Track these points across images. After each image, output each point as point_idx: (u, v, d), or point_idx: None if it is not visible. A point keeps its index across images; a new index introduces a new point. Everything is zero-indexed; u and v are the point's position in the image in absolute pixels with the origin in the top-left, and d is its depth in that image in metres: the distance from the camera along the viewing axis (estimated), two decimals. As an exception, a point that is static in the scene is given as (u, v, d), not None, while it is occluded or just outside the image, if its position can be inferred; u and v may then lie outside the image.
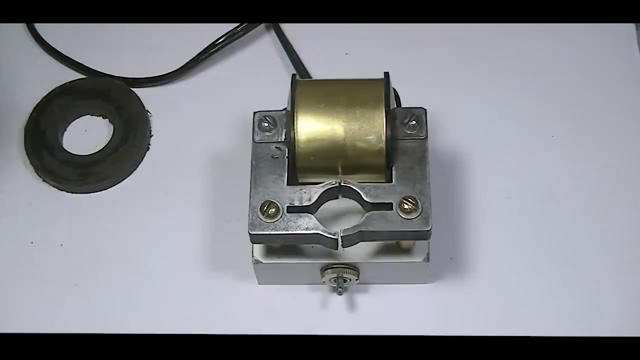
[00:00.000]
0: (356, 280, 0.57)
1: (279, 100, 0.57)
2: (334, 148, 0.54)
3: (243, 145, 0.60)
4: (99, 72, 0.67)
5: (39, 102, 0.65)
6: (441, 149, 0.63)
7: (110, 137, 0.64)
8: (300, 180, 0.56)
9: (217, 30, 0.67)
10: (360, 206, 0.55)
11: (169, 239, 0.61)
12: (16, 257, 0.61)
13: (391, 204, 0.53)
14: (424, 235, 0.53)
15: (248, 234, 0.53)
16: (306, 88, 0.56)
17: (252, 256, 0.56)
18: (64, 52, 0.68)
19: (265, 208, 0.54)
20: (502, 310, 0.58)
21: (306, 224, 0.53)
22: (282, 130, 0.56)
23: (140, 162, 0.64)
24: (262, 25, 0.69)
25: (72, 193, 0.63)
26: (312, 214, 0.54)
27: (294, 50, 0.67)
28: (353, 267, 0.56)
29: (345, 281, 0.56)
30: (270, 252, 0.56)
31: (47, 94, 0.66)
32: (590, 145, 0.64)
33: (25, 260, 0.61)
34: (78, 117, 0.66)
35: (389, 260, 0.56)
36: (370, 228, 0.53)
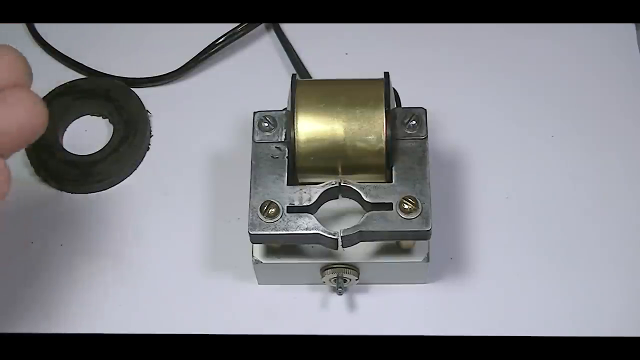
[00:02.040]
0: (356, 280, 0.57)
1: (279, 100, 0.57)
2: (334, 148, 0.54)
3: (243, 145, 0.60)
4: (99, 72, 0.67)
5: (39, 102, 0.65)
6: (441, 149, 0.63)
7: (110, 137, 0.64)
8: (300, 180, 0.56)
9: (217, 30, 0.67)
10: (360, 206, 0.55)
11: (169, 239, 0.61)
12: (16, 257, 0.61)
13: (391, 204, 0.53)
14: (424, 235, 0.53)
15: (248, 234, 0.53)
16: (306, 88, 0.56)
17: (252, 256, 0.56)
18: (64, 52, 0.68)
19: (265, 208, 0.54)
20: (502, 310, 0.58)
21: (306, 224, 0.53)
22: (282, 130, 0.56)
23: (140, 162, 0.64)
24: (262, 25, 0.69)
25: (72, 193, 0.63)
26: (312, 214, 0.54)
27: (294, 50, 0.67)
28: (353, 267, 0.56)
29: (345, 281, 0.56)
30: (270, 252, 0.56)
31: (47, 94, 0.66)
32: (590, 145, 0.64)
33: (25, 260, 0.61)
34: (78, 117, 0.66)
35: (389, 260, 0.56)
36: (370, 228, 0.53)
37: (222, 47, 0.67)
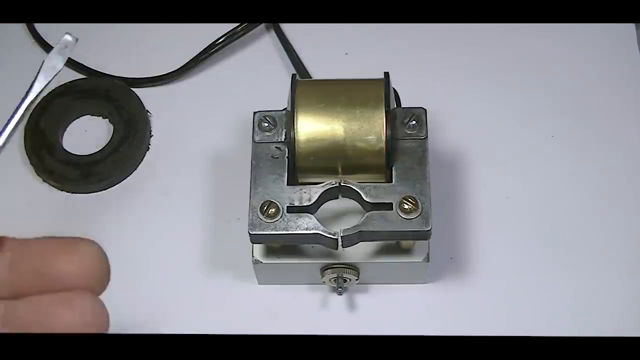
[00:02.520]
0: (356, 280, 0.57)
1: (279, 100, 0.57)
2: (334, 148, 0.54)
3: (243, 145, 0.60)
4: (99, 72, 0.67)
5: (39, 102, 0.65)
6: (441, 149, 0.63)
7: (110, 137, 0.64)
8: (300, 180, 0.56)
9: (217, 30, 0.67)
10: (360, 206, 0.55)
11: (169, 239, 0.61)
12: (16, 257, 0.61)
13: (391, 204, 0.53)
14: (424, 235, 0.53)
15: (248, 234, 0.53)
16: (306, 88, 0.56)
17: (252, 256, 0.56)
18: (64, 52, 0.68)
19: (265, 208, 0.54)
20: (502, 310, 0.58)
21: (306, 224, 0.53)
22: (282, 130, 0.56)
23: (140, 162, 0.64)
24: (262, 25, 0.69)
25: (72, 193, 0.63)
26: (312, 214, 0.54)
27: (294, 50, 0.67)
28: (353, 267, 0.56)
29: (345, 281, 0.56)
30: (270, 252, 0.56)
31: (47, 94, 0.66)
32: (590, 145, 0.64)
33: (25, 260, 0.61)
34: (78, 117, 0.66)
35: (389, 260, 0.56)
36: (370, 228, 0.53)
37: (222, 47, 0.67)
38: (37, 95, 0.44)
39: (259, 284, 0.59)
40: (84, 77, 0.67)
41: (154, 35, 0.69)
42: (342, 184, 0.54)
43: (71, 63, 0.68)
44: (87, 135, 0.65)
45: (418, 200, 0.53)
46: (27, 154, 0.64)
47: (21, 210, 0.62)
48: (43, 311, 0.37)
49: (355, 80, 0.57)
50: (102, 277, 0.40)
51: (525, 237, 0.60)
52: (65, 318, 0.38)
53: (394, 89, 0.59)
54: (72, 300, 0.39)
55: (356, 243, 0.54)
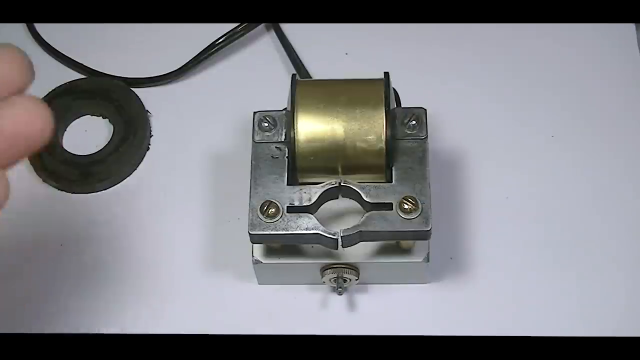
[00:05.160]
0: (356, 280, 0.57)
1: (279, 100, 0.57)
2: (334, 148, 0.54)
3: (243, 145, 0.60)
4: (99, 72, 0.67)
5: (39, 102, 0.65)
6: (441, 149, 0.63)
7: (110, 137, 0.64)
8: (300, 180, 0.56)
9: (217, 30, 0.67)
10: (360, 206, 0.55)
11: (169, 239, 0.61)
12: (16, 257, 0.61)
13: (391, 204, 0.53)
14: (424, 235, 0.53)
15: (248, 234, 0.53)
16: (306, 88, 0.56)
17: (252, 256, 0.56)
18: (64, 52, 0.68)
19: (265, 208, 0.54)
20: (502, 310, 0.58)
21: (306, 224, 0.53)
22: (282, 130, 0.56)
23: (140, 162, 0.64)
24: (262, 25, 0.69)
25: (72, 193, 0.63)
26: (312, 214, 0.54)
27: (294, 50, 0.67)
28: (353, 267, 0.56)
29: (345, 281, 0.56)
30: (270, 252, 0.56)
31: (47, 94, 0.66)
32: (590, 145, 0.64)
33: (25, 260, 0.61)
34: (78, 117, 0.66)
35: (389, 260, 0.56)
36: (370, 228, 0.53)
37: (222, 47, 0.67)
38: None
39: (259, 284, 0.59)
40: (84, 77, 0.67)
41: (154, 35, 0.69)
42: (342, 184, 0.54)
43: (71, 63, 0.68)
44: (87, 135, 0.65)
45: (418, 200, 0.53)
46: (27, 154, 0.64)
47: (21, 210, 0.62)
48: None
49: (355, 80, 0.57)
50: (27, 71, 0.40)
51: (525, 237, 0.60)
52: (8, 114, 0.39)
53: (394, 89, 0.59)
54: (12, 100, 0.39)
55: (356, 243, 0.54)
